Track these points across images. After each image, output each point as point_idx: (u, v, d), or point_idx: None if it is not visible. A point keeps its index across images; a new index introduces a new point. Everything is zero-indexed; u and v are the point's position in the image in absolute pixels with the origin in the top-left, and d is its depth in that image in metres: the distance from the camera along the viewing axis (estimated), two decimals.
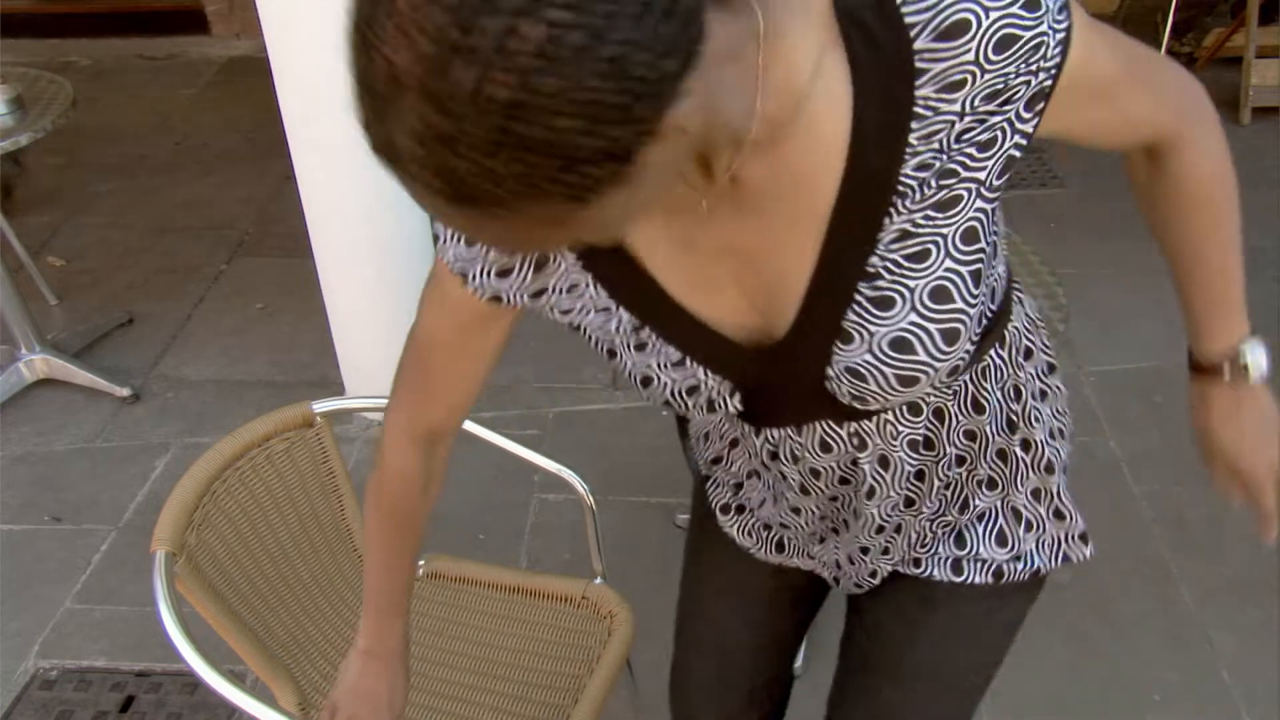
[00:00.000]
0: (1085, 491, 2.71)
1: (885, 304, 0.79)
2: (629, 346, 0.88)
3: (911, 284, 0.79)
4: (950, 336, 0.80)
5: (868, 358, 0.81)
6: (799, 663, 1.93)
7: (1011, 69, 0.71)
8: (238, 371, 3.01)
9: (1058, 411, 1.11)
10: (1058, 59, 0.72)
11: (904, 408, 0.92)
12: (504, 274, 0.86)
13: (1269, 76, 4.00)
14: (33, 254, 3.37)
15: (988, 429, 1.00)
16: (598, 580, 1.66)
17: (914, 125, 0.73)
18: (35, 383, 2.92)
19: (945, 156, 0.74)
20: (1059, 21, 0.71)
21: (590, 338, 0.90)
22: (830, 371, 0.83)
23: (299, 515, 1.55)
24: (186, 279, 3.43)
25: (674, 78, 0.54)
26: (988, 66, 0.70)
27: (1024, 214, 3.53)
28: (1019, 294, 1.05)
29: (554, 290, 0.86)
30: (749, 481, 1.14)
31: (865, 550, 1.08)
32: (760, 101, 0.70)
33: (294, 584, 1.54)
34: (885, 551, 1.08)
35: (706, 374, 0.87)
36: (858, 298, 0.80)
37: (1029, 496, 1.08)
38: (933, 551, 1.09)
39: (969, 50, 0.70)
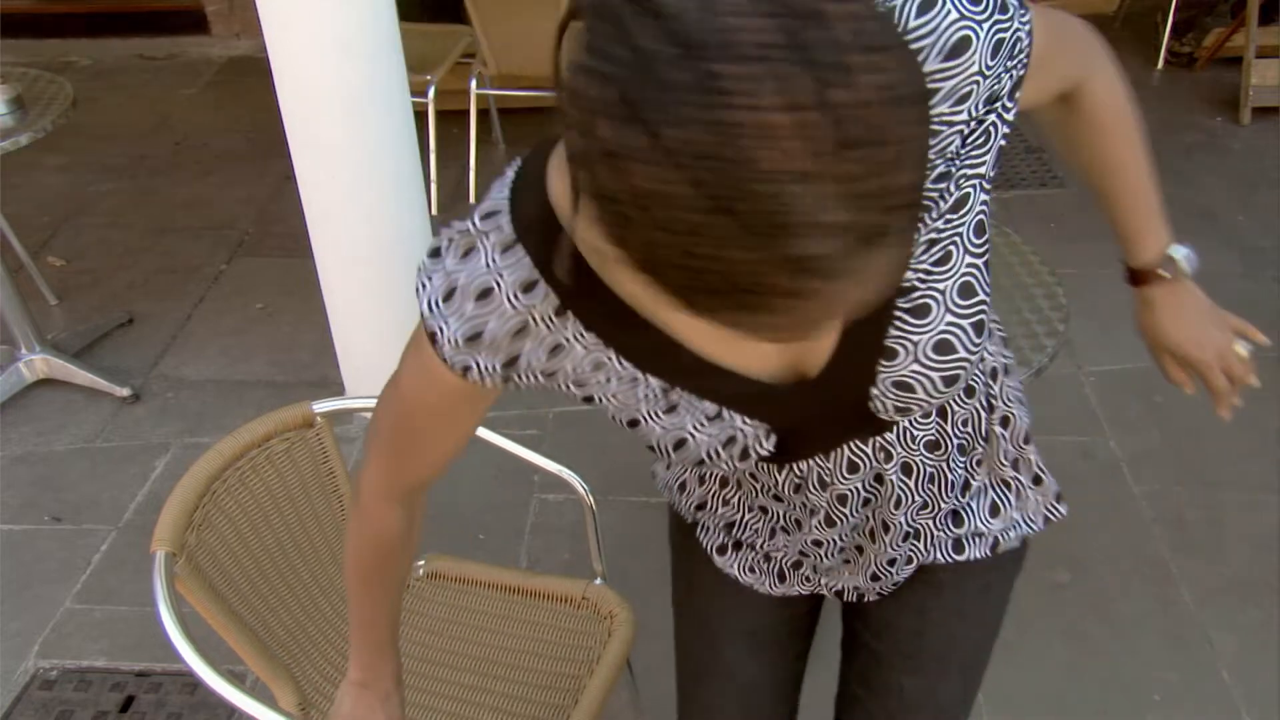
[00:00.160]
0: (1085, 491, 2.74)
1: (922, 312, 0.82)
2: (657, 413, 0.86)
3: (941, 286, 0.82)
4: (979, 328, 0.84)
5: (915, 368, 0.84)
6: None
7: (1002, 69, 0.75)
8: (238, 371, 3.01)
9: (1017, 384, 1.15)
10: (1027, 48, 0.78)
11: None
12: (511, 362, 0.83)
13: (1269, 76, 3.99)
14: (33, 254, 3.37)
15: (979, 413, 1.04)
16: (598, 580, 1.66)
17: (932, 143, 0.75)
18: (35, 383, 2.92)
19: (957, 163, 0.78)
20: (1023, 15, 0.76)
21: (609, 410, 0.88)
22: (875, 390, 0.85)
23: (299, 515, 1.55)
24: (186, 279, 3.43)
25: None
26: (987, 73, 0.74)
27: (1024, 214, 3.53)
28: None
29: (573, 370, 0.84)
30: (749, 515, 1.13)
31: (892, 562, 1.10)
32: None
33: (294, 584, 1.54)
34: (909, 561, 1.10)
35: (744, 422, 0.87)
36: (897, 313, 0.82)
37: (1012, 467, 1.12)
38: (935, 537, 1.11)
39: (973, 63, 0.73)
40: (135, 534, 2.48)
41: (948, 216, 0.80)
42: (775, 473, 1.01)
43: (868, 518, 1.05)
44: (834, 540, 1.07)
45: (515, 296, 0.78)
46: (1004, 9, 0.74)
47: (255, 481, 1.49)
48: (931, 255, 0.81)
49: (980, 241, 0.83)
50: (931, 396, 0.86)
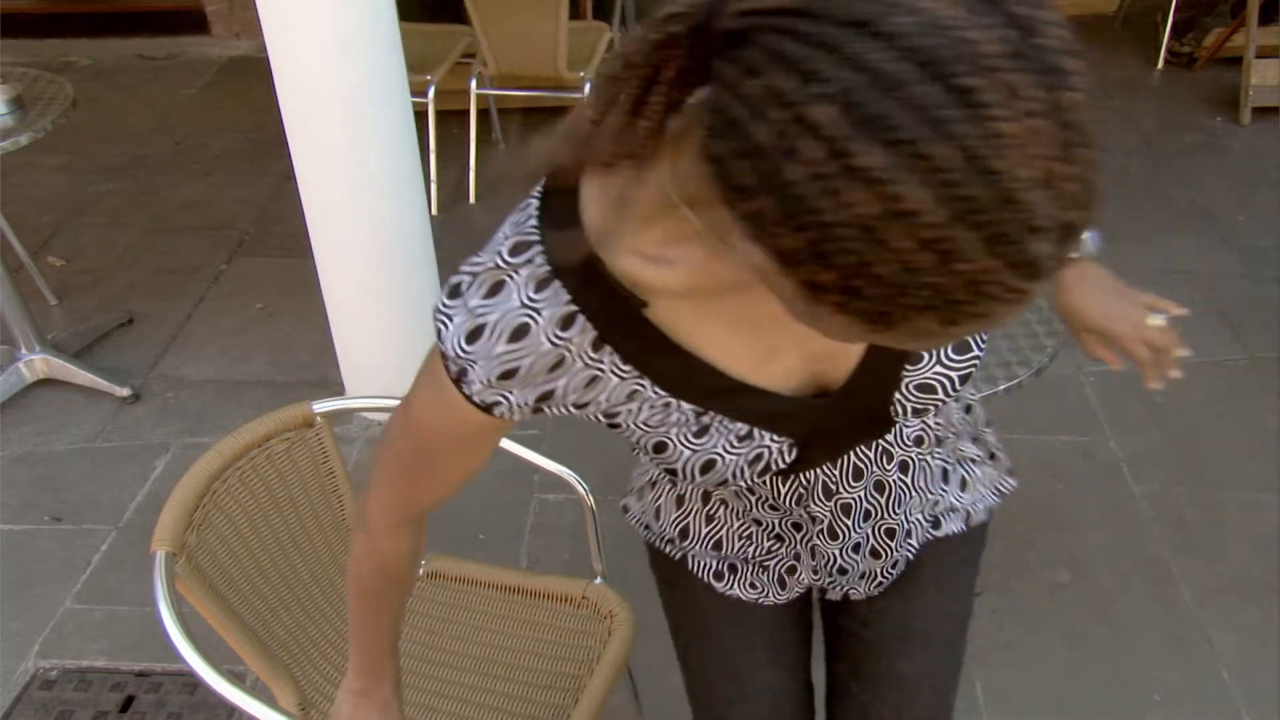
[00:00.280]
0: (1085, 491, 2.74)
1: None
2: (687, 437, 0.86)
3: None
4: None
5: (937, 369, 0.88)
6: None
7: None
8: (238, 371, 3.01)
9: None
10: None
11: None
12: (545, 396, 0.82)
13: (1269, 76, 3.99)
14: (33, 254, 3.37)
15: (950, 405, 1.09)
16: (598, 580, 1.66)
17: None
18: (35, 383, 2.92)
19: None
20: None
21: (635, 435, 0.88)
22: (898, 394, 0.88)
23: (299, 515, 1.55)
24: (186, 279, 3.43)
25: None
26: None
27: None
28: None
29: (606, 400, 0.84)
30: (739, 524, 1.12)
31: (896, 565, 1.12)
32: None
33: (294, 584, 1.54)
34: (904, 561, 1.13)
35: (771, 439, 0.88)
36: None
37: (972, 444, 1.19)
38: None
39: None
40: (135, 534, 2.48)
41: None
42: (780, 485, 1.01)
43: (869, 534, 1.08)
44: (833, 554, 1.09)
45: (553, 333, 0.77)
46: None
47: (255, 481, 1.49)
48: None
49: None
50: (949, 396, 0.88)
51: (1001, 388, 1.65)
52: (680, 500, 1.14)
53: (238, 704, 1.26)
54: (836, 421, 0.90)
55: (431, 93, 3.56)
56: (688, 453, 0.87)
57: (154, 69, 4.99)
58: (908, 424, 0.98)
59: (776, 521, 1.09)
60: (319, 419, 1.55)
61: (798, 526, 1.08)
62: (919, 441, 1.03)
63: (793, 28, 0.51)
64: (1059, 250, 0.53)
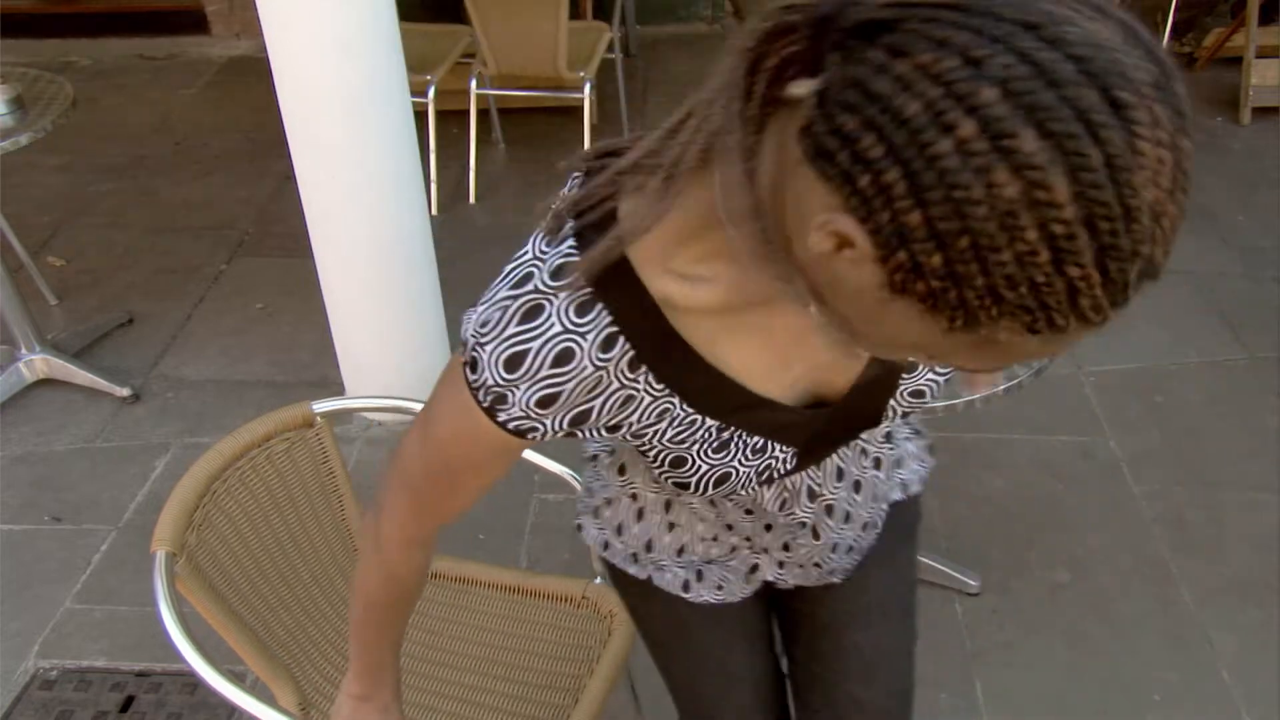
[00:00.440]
0: (1085, 491, 2.74)
1: None
2: (707, 452, 0.88)
3: None
4: None
5: (929, 376, 0.92)
6: None
7: None
8: (238, 371, 3.01)
9: None
10: None
11: None
12: (580, 419, 0.82)
13: (1269, 76, 4.00)
14: (33, 254, 3.37)
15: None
16: (598, 580, 1.66)
17: None
18: (35, 383, 2.92)
19: None
20: None
21: (655, 450, 0.88)
22: (892, 400, 0.92)
23: (299, 515, 1.55)
24: (186, 279, 3.43)
25: None
26: None
27: None
28: None
29: (638, 420, 0.84)
30: (701, 527, 1.13)
31: (850, 549, 1.15)
32: None
33: (294, 584, 1.54)
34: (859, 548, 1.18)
35: (780, 450, 0.90)
36: None
37: (904, 422, 1.23)
38: None
39: None
40: (135, 534, 2.48)
41: None
42: (764, 491, 1.03)
43: (848, 532, 1.11)
44: (813, 553, 1.11)
45: (597, 356, 0.78)
46: None
47: (255, 481, 1.49)
48: None
49: None
50: (935, 398, 0.91)
51: (1001, 388, 1.65)
52: (641, 513, 1.15)
53: (238, 704, 1.26)
54: (834, 428, 0.93)
55: (431, 93, 3.56)
56: (705, 467, 0.89)
57: (154, 69, 4.99)
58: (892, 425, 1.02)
59: (748, 526, 1.11)
60: (319, 419, 1.55)
61: (768, 527, 1.10)
62: (888, 436, 1.10)
63: (953, 19, 0.54)
64: (1138, 287, 0.56)
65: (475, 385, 0.80)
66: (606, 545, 1.20)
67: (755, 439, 0.89)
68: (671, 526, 1.13)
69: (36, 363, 2.90)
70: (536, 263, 0.78)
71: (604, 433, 0.85)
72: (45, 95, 2.70)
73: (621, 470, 1.13)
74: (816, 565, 1.14)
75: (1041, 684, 2.07)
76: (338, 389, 2.83)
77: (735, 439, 0.88)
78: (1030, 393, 2.73)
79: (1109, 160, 0.51)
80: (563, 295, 0.76)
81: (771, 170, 0.65)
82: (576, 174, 0.84)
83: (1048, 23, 0.53)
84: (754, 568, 1.17)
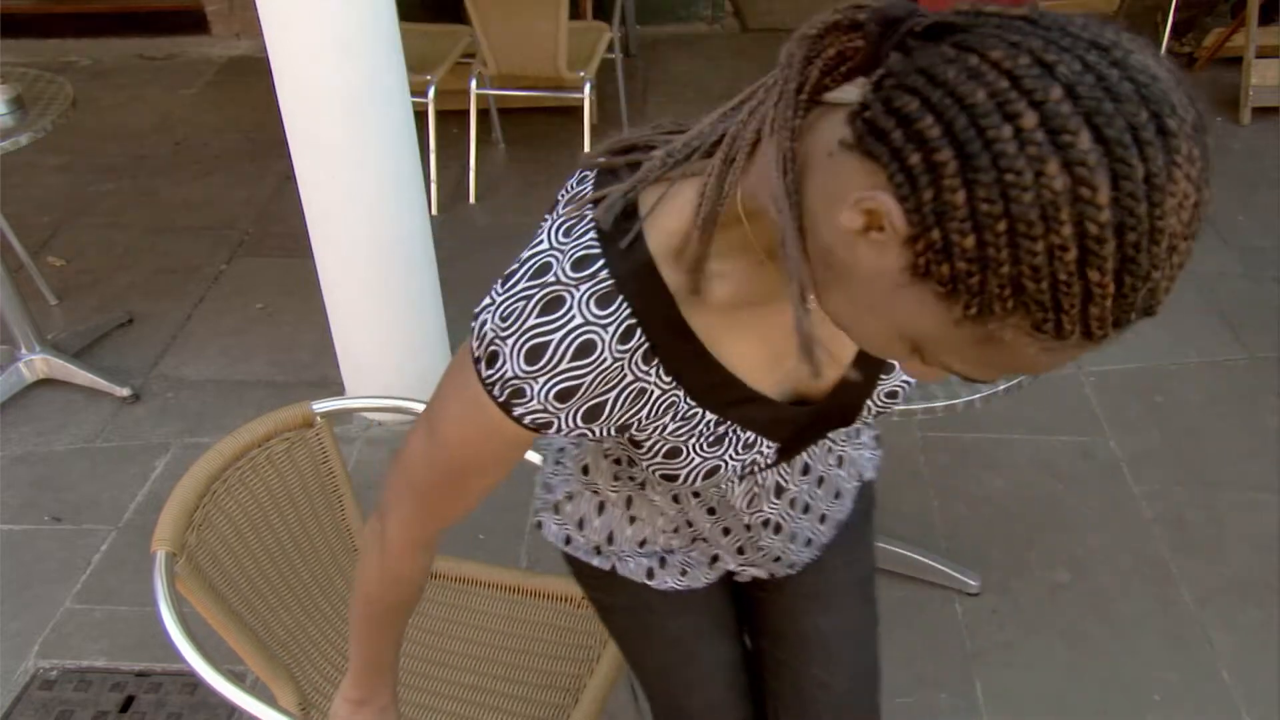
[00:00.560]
0: (1085, 491, 2.74)
1: None
2: (703, 446, 0.89)
3: None
4: None
5: (903, 378, 0.95)
6: None
7: None
8: (238, 371, 3.01)
9: None
10: None
11: None
12: (594, 413, 0.82)
13: (1269, 76, 4.00)
14: (33, 254, 3.37)
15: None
16: None
17: None
18: (35, 383, 2.92)
19: None
20: None
21: (653, 443, 0.89)
22: (869, 400, 0.95)
23: (299, 515, 1.55)
24: (186, 279, 3.43)
25: None
26: None
27: None
28: None
29: (648, 414, 0.85)
30: (661, 521, 1.14)
31: (808, 541, 1.18)
32: None
33: (294, 584, 1.54)
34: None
35: (766, 445, 0.92)
36: None
37: None
38: None
39: None
40: (135, 534, 2.48)
41: None
42: (735, 487, 1.05)
43: (808, 524, 1.14)
44: (774, 546, 1.13)
45: (616, 347, 0.78)
46: None
47: (255, 481, 1.49)
48: None
49: None
50: (906, 399, 0.95)
51: (1001, 388, 1.65)
52: (602, 507, 1.15)
53: (238, 704, 1.26)
54: (813, 425, 0.95)
55: (431, 93, 3.56)
56: (698, 460, 0.90)
57: (154, 69, 4.99)
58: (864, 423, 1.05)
59: (706, 526, 1.12)
60: (319, 419, 1.55)
61: (726, 531, 1.12)
62: (855, 433, 1.14)
63: (1026, 28, 0.59)
64: (1138, 317, 0.60)
65: (491, 380, 0.79)
66: (568, 540, 1.21)
67: (747, 434, 0.90)
68: (633, 520, 1.14)
69: (36, 363, 2.90)
70: (555, 253, 0.78)
71: (612, 432, 0.85)
72: (45, 95, 2.70)
73: (585, 470, 1.14)
74: (776, 559, 1.17)
75: (1041, 684, 2.07)
76: (338, 389, 2.83)
77: (729, 434, 0.89)
78: (1030, 393, 2.73)
79: (1148, 177, 0.55)
80: (584, 287, 0.77)
81: (807, 163, 0.68)
82: (585, 170, 0.84)
83: (1113, 47, 0.57)
84: (715, 558, 1.18)
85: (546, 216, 0.87)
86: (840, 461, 1.15)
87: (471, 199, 3.79)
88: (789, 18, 5.17)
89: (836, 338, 0.90)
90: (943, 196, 0.57)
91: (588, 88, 3.66)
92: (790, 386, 0.91)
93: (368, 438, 2.73)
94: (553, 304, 0.76)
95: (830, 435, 1.07)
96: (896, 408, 0.98)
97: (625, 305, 0.77)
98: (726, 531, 1.13)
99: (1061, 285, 0.57)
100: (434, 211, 3.65)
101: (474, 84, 3.74)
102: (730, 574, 1.23)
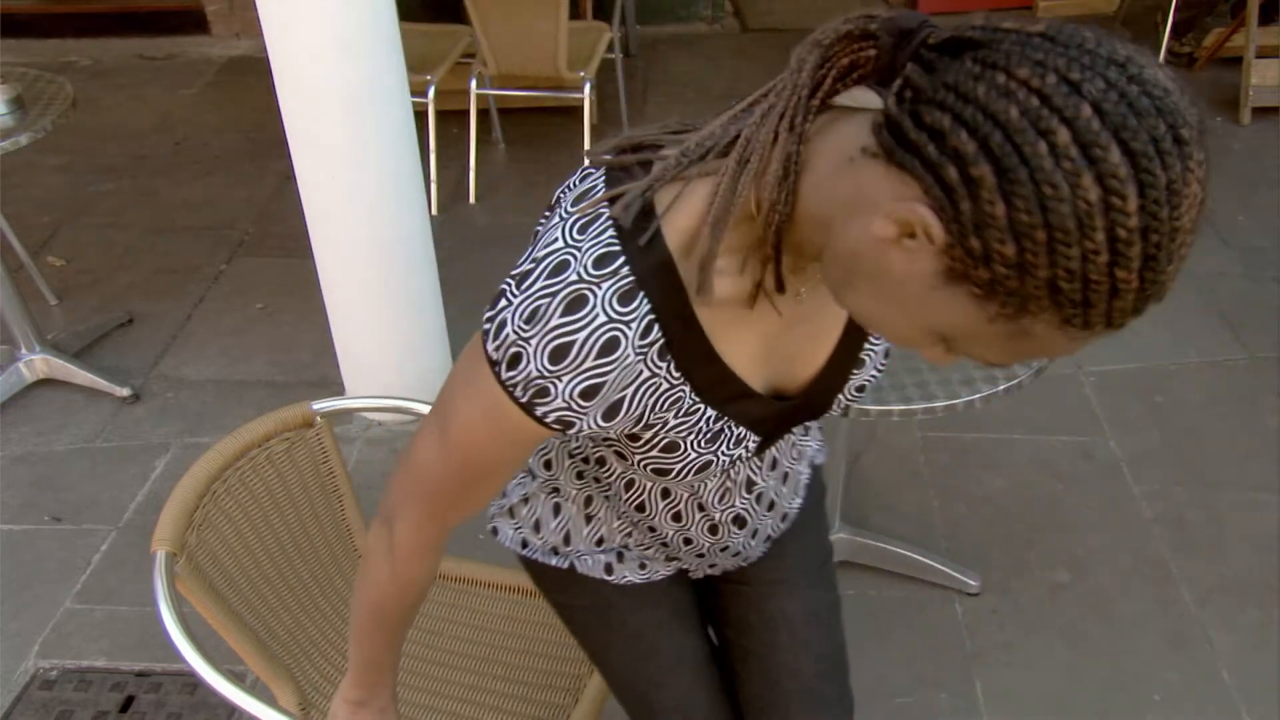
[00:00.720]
0: (1085, 491, 2.74)
1: None
2: (701, 441, 0.90)
3: None
4: None
5: (873, 372, 1.00)
6: None
7: None
8: (238, 371, 3.01)
9: None
10: None
11: None
12: (612, 410, 0.83)
13: (1269, 76, 4.00)
14: (33, 254, 3.37)
15: None
16: None
17: None
18: (35, 383, 2.92)
19: None
20: None
21: (652, 437, 0.90)
22: (841, 395, 0.99)
23: (299, 515, 1.55)
24: (186, 279, 3.43)
25: None
26: None
27: None
28: None
29: (655, 407, 0.86)
30: (618, 523, 1.15)
31: (766, 539, 1.20)
32: None
33: (294, 584, 1.54)
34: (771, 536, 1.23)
35: (752, 440, 0.94)
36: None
37: None
38: None
39: None
40: (135, 534, 2.48)
41: None
42: (708, 484, 1.07)
43: (769, 520, 1.16)
44: (736, 541, 1.15)
45: (637, 343, 0.79)
46: None
47: (255, 481, 1.49)
48: None
49: None
50: (870, 393, 1.01)
51: (1001, 388, 1.65)
52: (557, 508, 1.16)
53: (238, 704, 1.26)
54: (791, 419, 0.98)
55: (431, 93, 3.56)
56: (694, 455, 0.91)
57: (154, 69, 4.99)
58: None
59: (669, 531, 1.13)
60: (319, 419, 1.55)
61: (688, 541, 1.14)
62: (806, 429, 1.17)
63: (1045, 46, 0.62)
64: (1145, 308, 0.65)
65: (513, 382, 0.79)
66: (525, 543, 1.21)
67: (739, 429, 0.92)
68: (589, 519, 1.15)
69: (36, 363, 2.90)
70: (572, 251, 0.78)
71: (626, 429, 0.87)
72: (45, 95, 2.70)
73: (548, 465, 1.15)
74: (735, 555, 1.18)
75: (1041, 684, 2.07)
76: (338, 389, 2.83)
77: (725, 429, 0.91)
78: (1030, 393, 2.73)
79: (1169, 184, 0.60)
80: (606, 285, 0.77)
81: (819, 166, 0.71)
82: (590, 168, 0.85)
83: (1129, 63, 0.61)
84: (672, 555, 1.19)
85: (545, 216, 0.87)
86: (799, 456, 1.18)
87: (471, 199, 3.79)
88: (789, 18, 5.19)
89: (816, 335, 0.93)
90: (982, 208, 0.61)
91: (588, 88, 3.66)
92: (772, 381, 0.93)
93: (368, 438, 2.73)
94: (576, 302, 0.77)
95: (796, 431, 1.11)
96: (863, 400, 1.03)
97: (645, 302, 0.78)
98: (688, 541, 1.14)
99: (1092, 285, 0.61)
100: (434, 211, 3.65)
101: (474, 84, 3.74)
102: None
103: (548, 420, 0.82)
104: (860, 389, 1.01)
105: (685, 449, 0.90)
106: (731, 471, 1.06)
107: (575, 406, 0.80)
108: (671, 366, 0.83)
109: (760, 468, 1.09)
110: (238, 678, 1.27)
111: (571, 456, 1.11)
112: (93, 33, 5.13)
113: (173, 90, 4.76)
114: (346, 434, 2.71)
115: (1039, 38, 0.62)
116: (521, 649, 1.61)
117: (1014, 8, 5.06)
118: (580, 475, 1.12)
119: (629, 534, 1.16)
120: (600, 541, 1.18)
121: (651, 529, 1.13)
